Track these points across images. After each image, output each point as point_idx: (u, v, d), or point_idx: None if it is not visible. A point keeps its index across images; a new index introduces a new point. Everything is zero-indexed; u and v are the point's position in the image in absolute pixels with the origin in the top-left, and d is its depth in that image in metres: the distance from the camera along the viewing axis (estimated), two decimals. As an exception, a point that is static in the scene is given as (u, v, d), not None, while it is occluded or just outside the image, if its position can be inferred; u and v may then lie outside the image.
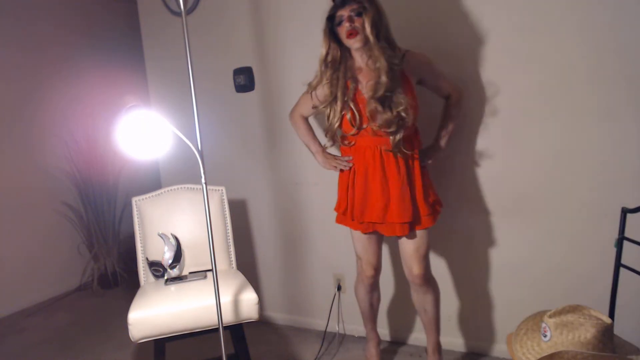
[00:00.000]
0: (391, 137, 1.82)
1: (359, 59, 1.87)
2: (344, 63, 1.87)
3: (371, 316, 2.24)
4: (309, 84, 1.96)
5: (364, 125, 1.85)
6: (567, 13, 1.93)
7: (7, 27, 3.36)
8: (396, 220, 1.88)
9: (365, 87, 1.85)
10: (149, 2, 2.89)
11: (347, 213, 2.00)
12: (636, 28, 1.84)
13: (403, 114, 1.78)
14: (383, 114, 1.79)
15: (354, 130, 1.87)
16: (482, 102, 2.14)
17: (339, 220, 2.08)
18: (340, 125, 1.90)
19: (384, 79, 1.76)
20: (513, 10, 2.02)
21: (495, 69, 2.09)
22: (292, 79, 2.54)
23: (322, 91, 1.92)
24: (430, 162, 2.00)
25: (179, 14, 2.77)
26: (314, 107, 2.01)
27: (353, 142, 1.93)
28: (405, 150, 1.84)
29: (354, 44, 1.80)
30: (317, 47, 2.35)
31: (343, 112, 1.86)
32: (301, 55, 2.47)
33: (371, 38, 1.76)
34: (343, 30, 1.80)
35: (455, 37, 2.14)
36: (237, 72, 2.68)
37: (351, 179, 1.96)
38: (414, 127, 1.90)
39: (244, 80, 2.66)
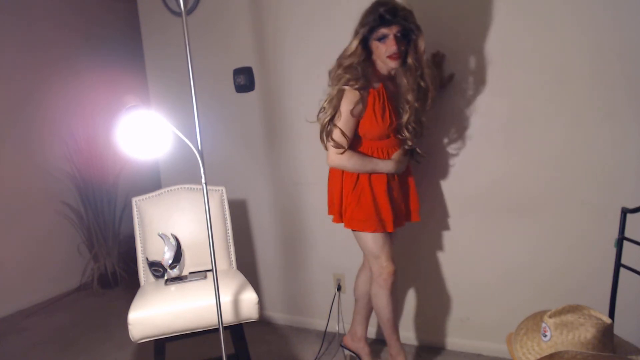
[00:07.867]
0: (414, 141, 1.95)
1: (383, 69, 1.87)
2: (368, 72, 1.84)
3: (397, 321, 2.09)
4: (347, 83, 1.81)
5: (390, 135, 1.91)
6: (569, 13, 1.93)
7: (7, 27, 3.36)
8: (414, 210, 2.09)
9: (394, 100, 1.90)
10: (149, 2, 2.89)
11: (387, 218, 1.94)
12: (638, 28, 1.84)
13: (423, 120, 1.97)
14: (415, 126, 1.92)
15: (381, 135, 1.89)
16: (483, 103, 2.14)
17: (378, 229, 1.95)
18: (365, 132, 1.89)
19: (414, 96, 1.86)
20: (514, 9, 2.02)
21: (496, 68, 2.09)
22: (292, 79, 2.54)
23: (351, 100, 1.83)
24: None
25: (179, 14, 2.77)
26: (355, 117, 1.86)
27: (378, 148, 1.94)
28: (419, 151, 2.04)
29: (393, 64, 1.81)
30: (317, 47, 2.36)
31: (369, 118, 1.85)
32: (301, 55, 2.48)
33: (412, 62, 1.81)
34: (384, 48, 1.78)
35: (456, 36, 2.13)
36: (237, 72, 2.68)
37: (384, 184, 1.94)
38: None
39: (244, 80, 2.66)
